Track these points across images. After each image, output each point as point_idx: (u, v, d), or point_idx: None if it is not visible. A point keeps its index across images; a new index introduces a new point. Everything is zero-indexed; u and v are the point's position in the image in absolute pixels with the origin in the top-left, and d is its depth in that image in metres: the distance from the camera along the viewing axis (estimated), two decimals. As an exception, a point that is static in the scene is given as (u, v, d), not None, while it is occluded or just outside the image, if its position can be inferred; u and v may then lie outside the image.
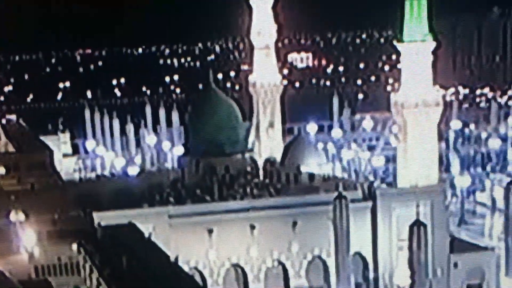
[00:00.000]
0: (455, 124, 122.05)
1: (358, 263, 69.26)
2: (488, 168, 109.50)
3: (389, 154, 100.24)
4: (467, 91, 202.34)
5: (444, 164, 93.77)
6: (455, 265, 69.34)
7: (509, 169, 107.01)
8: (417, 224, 59.65)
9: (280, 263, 68.28)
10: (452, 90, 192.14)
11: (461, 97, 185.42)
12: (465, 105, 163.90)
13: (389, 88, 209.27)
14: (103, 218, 60.44)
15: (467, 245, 73.96)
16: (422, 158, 71.08)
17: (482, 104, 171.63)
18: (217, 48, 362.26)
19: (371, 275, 69.58)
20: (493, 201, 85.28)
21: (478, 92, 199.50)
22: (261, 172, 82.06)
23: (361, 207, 68.26)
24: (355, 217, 65.66)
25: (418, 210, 60.35)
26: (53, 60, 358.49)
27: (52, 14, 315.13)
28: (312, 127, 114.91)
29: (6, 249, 59.07)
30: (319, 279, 69.14)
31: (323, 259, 68.60)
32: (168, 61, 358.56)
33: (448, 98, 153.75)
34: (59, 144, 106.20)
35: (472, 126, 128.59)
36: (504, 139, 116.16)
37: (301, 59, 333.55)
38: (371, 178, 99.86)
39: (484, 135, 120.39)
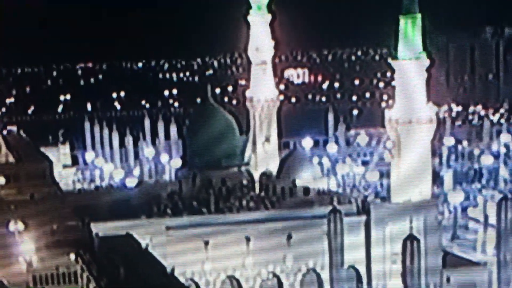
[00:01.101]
0: (448, 141, 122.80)
1: (352, 276, 69.23)
2: (481, 184, 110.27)
3: (383, 169, 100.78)
4: (460, 108, 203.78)
5: (437, 180, 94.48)
6: (448, 279, 69.24)
7: (501, 185, 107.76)
8: (410, 238, 60.11)
9: (275, 275, 68.36)
10: (445, 107, 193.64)
11: (454, 114, 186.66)
12: (458, 122, 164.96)
13: (383, 104, 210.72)
14: (101, 228, 60.79)
15: (460, 260, 74.12)
16: (415, 174, 71.43)
17: (475, 122, 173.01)
18: (215, 63, 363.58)
19: (365, 288, 69.97)
20: (486, 217, 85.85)
21: (471, 109, 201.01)
22: (257, 186, 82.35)
23: (355, 221, 68.50)
24: (349, 230, 65.84)
25: (411, 224, 60.85)
26: (55, 73, 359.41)
27: (54, 28, 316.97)
28: (307, 142, 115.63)
29: (5, 258, 59.18)
30: (314, 292, 69.28)
31: (317, 272, 68.66)
32: (167, 76, 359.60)
33: (441, 115, 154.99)
34: (59, 155, 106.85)
35: (465, 143, 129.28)
36: (496, 156, 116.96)
37: (297, 75, 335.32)
38: (365, 192, 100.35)
39: (476, 152, 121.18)
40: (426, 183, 72.20)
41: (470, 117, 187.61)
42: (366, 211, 69.51)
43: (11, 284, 52.61)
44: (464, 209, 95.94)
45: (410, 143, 71.60)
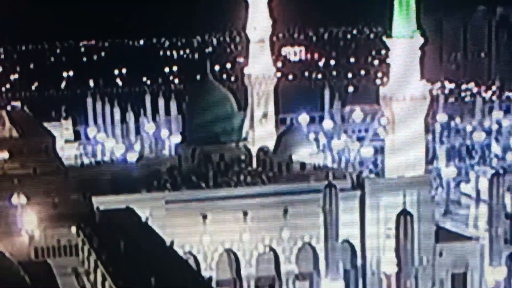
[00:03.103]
0: (441, 118, 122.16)
1: (347, 250, 69.88)
2: (473, 160, 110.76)
3: (378, 145, 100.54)
4: (453, 85, 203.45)
5: (430, 156, 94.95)
6: (440, 254, 69.82)
7: (493, 161, 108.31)
8: (404, 213, 60.25)
9: (271, 249, 68.96)
10: (438, 84, 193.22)
11: (447, 91, 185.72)
12: (451, 99, 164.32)
13: (378, 81, 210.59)
14: (102, 202, 61.14)
15: (452, 235, 74.39)
16: (409, 150, 71.97)
17: (467, 99, 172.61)
18: (215, 41, 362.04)
19: (359, 262, 70.18)
20: (478, 192, 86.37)
21: (463, 87, 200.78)
22: (254, 161, 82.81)
23: (350, 196, 68.88)
24: (344, 205, 66.01)
25: (405, 199, 61.02)
26: (58, 50, 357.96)
27: (58, 7, 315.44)
28: (304, 118, 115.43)
29: (7, 231, 59.75)
30: (309, 265, 69.85)
31: (313, 246, 69.22)
32: (168, 53, 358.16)
33: (434, 92, 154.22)
34: (61, 131, 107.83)
35: (457, 119, 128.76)
36: (488, 132, 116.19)
37: (294, 52, 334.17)
38: (360, 168, 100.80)
39: (469, 128, 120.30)
40: (420, 159, 72.76)
41: (462, 94, 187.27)
42: (360, 186, 69.97)
43: (14, 256, 53.34)
44: (457, 184, 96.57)
45: (404, 119, 72.04)
